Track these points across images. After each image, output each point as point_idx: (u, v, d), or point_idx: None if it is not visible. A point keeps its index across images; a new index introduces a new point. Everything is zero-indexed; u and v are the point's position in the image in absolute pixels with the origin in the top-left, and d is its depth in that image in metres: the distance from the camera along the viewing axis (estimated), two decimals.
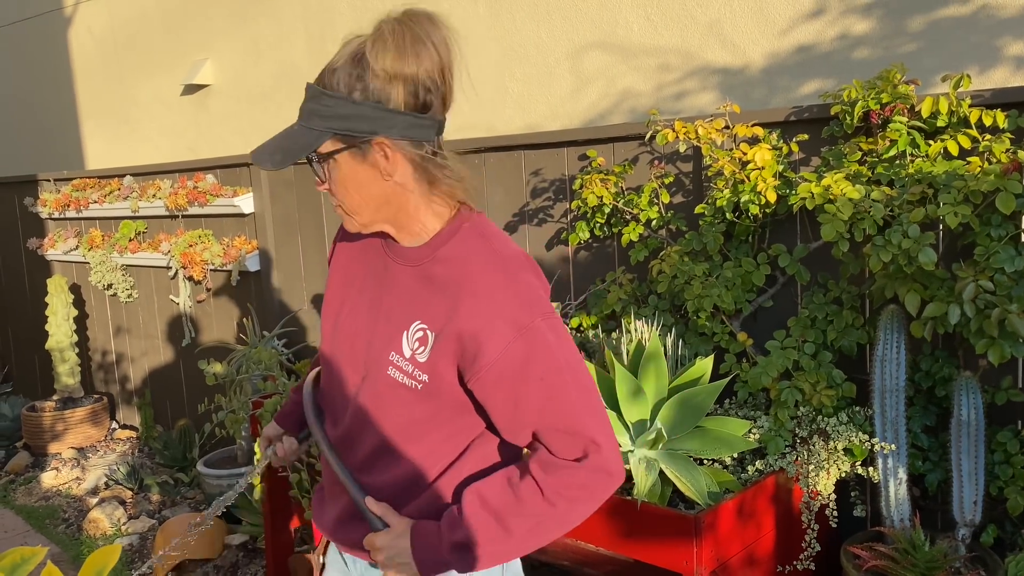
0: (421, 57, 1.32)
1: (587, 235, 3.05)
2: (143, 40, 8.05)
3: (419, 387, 1.38)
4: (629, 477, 2.35)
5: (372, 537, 1.43)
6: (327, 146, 1.35)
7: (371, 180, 1.36)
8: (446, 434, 1.42)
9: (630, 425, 2.38)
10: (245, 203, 4.31)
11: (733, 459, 2.46)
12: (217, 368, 3.07)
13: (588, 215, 3.02)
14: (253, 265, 4.34)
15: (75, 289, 5.58)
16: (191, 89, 7.58)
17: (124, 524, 4.08)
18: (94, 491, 4.57)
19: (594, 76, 5.02)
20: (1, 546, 4.09)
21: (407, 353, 1.38)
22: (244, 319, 4.29)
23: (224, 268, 4.44)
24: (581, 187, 2.93)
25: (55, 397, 5.38)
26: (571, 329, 2.93)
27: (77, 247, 5.39)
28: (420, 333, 1.38)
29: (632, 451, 2.35)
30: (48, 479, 4.78)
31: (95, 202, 5.21)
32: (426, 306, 1.39)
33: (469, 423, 1.42)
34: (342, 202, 1.40)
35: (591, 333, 2.88)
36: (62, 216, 5.50)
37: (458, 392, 1.37)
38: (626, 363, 2.48)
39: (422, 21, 1.33)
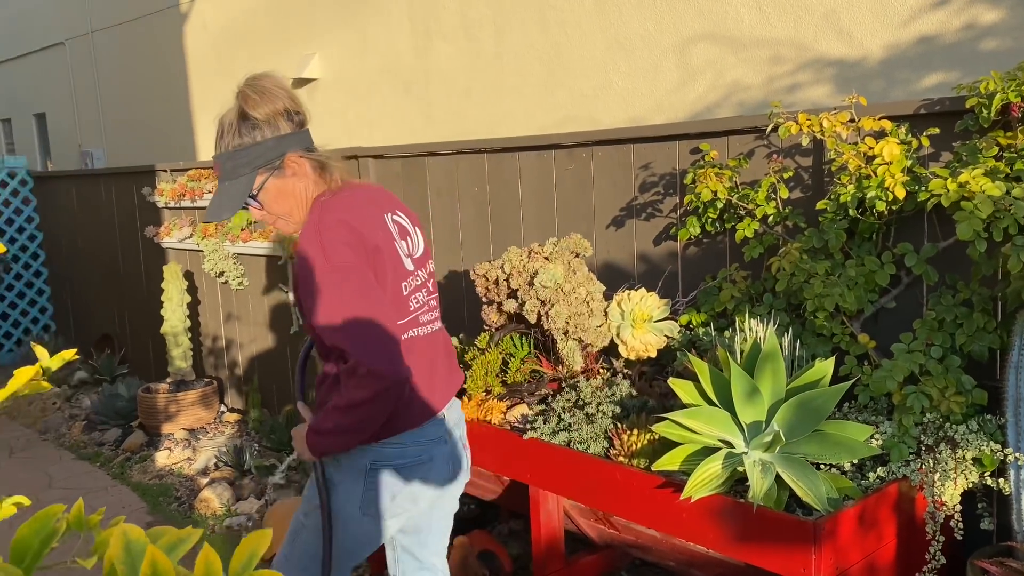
0: (277, 97, 1.93)
1: (698, 231, 2.98)
2: (254, 35, 8.28)
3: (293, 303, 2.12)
4: (743, 479, 2.29)
5: (295, 428, 2.06)
6: (257, 182, 1.92)
7: (292, 185, 1.95)
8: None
9: (745, 426, 2.32)
10: None
11: (852, 465, 2.37)
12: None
13: (700, 210, 2.96)
14: None
15: (188, 276, 5.77)
16: (299, 83, 7.76)
17: (233, 505, 4.21)
18: (204, 471, 4.73)
19: (701, 69, 4.92)
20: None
21: (291, 299, 2.23)
22: None
23: None
24: (693, 181, 2.87)
25: (168, 380, 5.58)
26: (680, 326, 2.88)
27: (191, 235, 5.58)
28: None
29: (747, 453, 2.29)
30: (161, 458, 4.96)
31: (209, 192, 5.37)
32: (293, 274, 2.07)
33: None
34: (279, 215, 1.98)
35: (701, 331, 2.82)
36: (177, 205, 5.70)
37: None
38: (741, 362, 2.42)
39: (260, 79, 1.95)
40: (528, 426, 2.70)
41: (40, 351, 1.59)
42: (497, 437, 2.78)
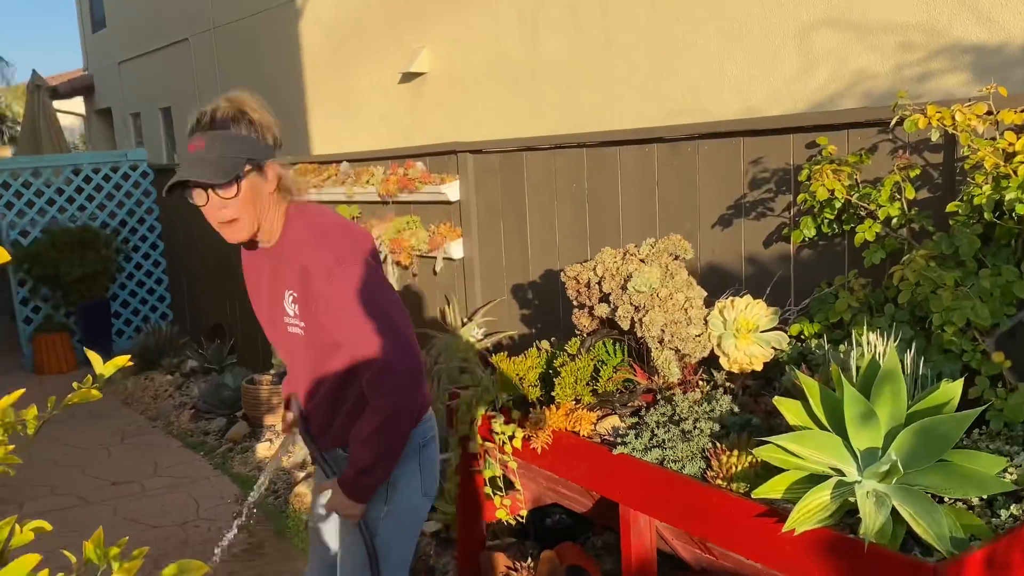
0: (268, 113, 2.03)
1: (813, 232, 2.74)
2: (365, 29, 8.33)
3: (302, 332, 2.08)
4: (854, 511, 2.06)
5: (321, 491, 2.21)
6: (243, 170, 1.97)
7: (263, 190, 2.00)
8: (332, 356, 2.07)
9: (858, 453, 2.08)
10: (451, 190, 4.29)
11: (981, 501, 2.10)
12: None
13: (815, 210, 2.71)
14: (457, 252, 4.31)
15: None
16: (408, 77, 7.75)
17: None
18: (301, 465, 4.73)
19: (823, 56, 4.60)
20: (219, 513, 4.31)
21: (290, 312, 2.08)
22: (446, 306, 4.28)
23: (430, 255, 4.44)
24: (808, 178, 2.62)
25: (272, 371, 5.64)
26: (791, 337, 2.65)
27: None
28: (290, 297, 2.07)
29: (859, 482, 2.06)
30: (262, 450, 5.01)
31: (314, 187, 5.39)
32: (286, 278, 2.07)
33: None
34: (236, 216, 2.00)
35: (814, 343, 2.58)
36: None
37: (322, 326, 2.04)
38: (856, 381, 2.18)
39: (254, 96, 2.03)
40: (619, 440, 2.52)
41: (94, 358, 1.52)
42: (586, 450, 2.62)
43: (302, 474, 4.55)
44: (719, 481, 2.30)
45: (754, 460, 2.26)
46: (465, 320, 4.09)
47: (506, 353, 3.28)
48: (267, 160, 2.01)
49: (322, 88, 9.22)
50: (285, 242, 2.07)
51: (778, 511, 2.13)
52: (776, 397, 2.21)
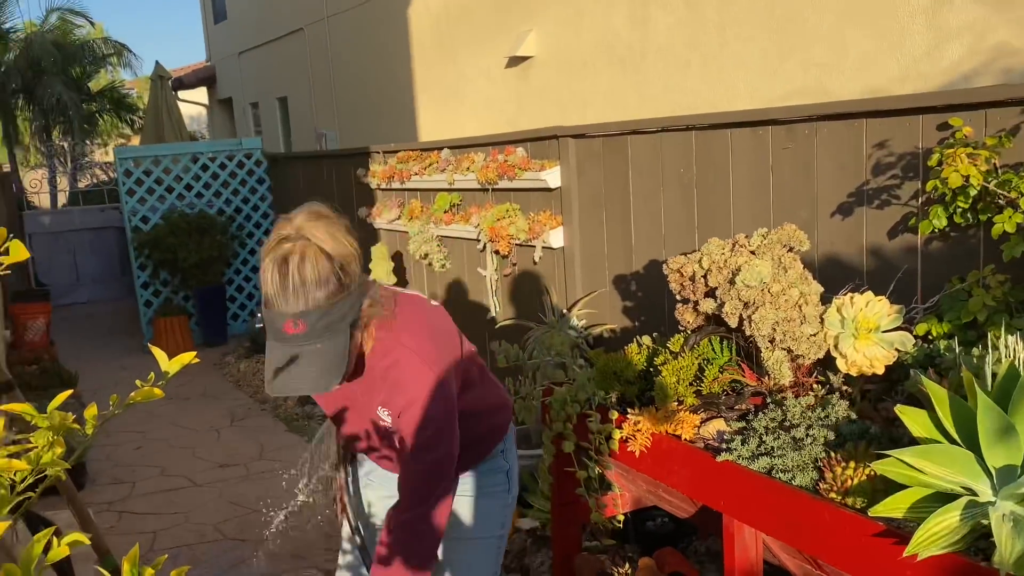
0: (348, 235, 1.75)
1: (944, 223, 2.48)
2: (473, 14, 8.26)
3: (390, 425, 1.98)
4: (987, 535, 1.84)
5: None
6: (354, 340, 1.76)
7: (360, 337, 1.81)
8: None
9: (993, 470, 1.85)
10: (552, 177, 4.15)
11: None
12: (509, 351, 2.96)
13: (947, 198, 2.45)
14: (557, 241, 4.18)
15: (397, 258, 5.80)
16: (514, 61, 7.64)
17: None
18: None
19: (958, 31, 4.24)
20: (318, 498, 4.32)
21: (383, 416, 1.97)
22: (544, 297, 4.15)
23: (529, 243, 4.33)
24: (940, 163, 2.37)
25: None
26: (916, 337, 2.41)
27: (399, 217, 5.59)
28: (384, 412, 1.95)
29: (994, 503, 1.83)
30: None
31: (416, 174, 5.35)
32: (381, 392, 1.93)
33: None
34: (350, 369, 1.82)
35: (943, 345, 2.34)
36: (388, 187, 5.74)
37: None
38: (991, 389, 1.95)
39: (322, 212, 1.74)
40: (724, 446, 2.35)
41: (159, 354, 1.47)
42: (687, 455, 2.45)
43: None
44: (833, 495, 2.10)
45: (872, 473, 2.05)
46: (564, 312, 3.96)
47: (604, 348, 3.14)
48: (364, 296, 1.76)
49: (429, 75, 9.22)
50: (376, 363, 1.90)
51: (899, 532, 1.93)
52: (899, 405, 2.00)
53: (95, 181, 16.32)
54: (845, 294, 2.45)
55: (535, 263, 4.40)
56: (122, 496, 4.51)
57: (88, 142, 19.58)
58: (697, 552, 3.25)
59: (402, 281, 5.84)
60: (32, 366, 6.67)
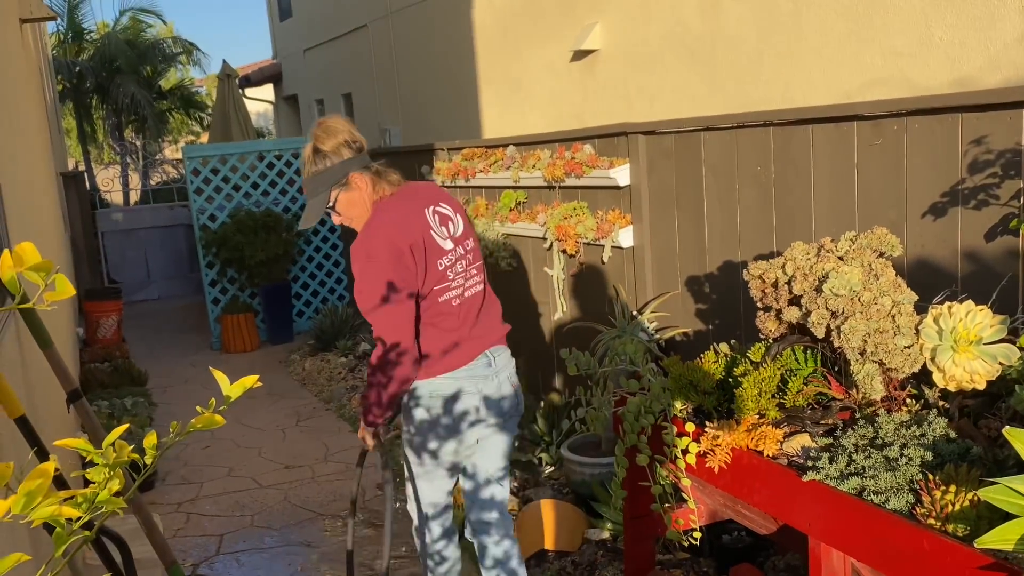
0: (336, 134, 2.56)
1: None
2: (537, 7, 8.14)
3: None
4: None
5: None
6: (332, 196, 2.57)
7: (357, 196, 2.57)
8: None
9: None
10: (621, 175, 4.02)
11: None
12: (580, 358, 2.84)
13: None
14: (626, 241, 4.06)
15: None
16: (579, 55, 7.50)
17: None
18: None
19: None
20: (382, 502, 4.27)
21: None
22: (614, 299, 4.03)
23: (597, 243, 4.21)
24: None
25: None
26: (1021, 350, 2.24)
27: None
28: None
29: None
30: None
31: (481, 171, 5.27)
32: None
33: None
34: (352, 217, 2.60)
35: None
36: (453, 184, 5.66)
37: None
38: None
39: (326, 120, 2.61)
40: (810, 463, 2.21)
41: (221, 378, 1.40)
42: (769, 473, 2.32)
43: None
44: (931, 520, 1.95)
45: (976, 499, 1.90)
46: (635, 314, 3.84)
47: (679, 356, 3.01)
48: (349, 174, 2.56)
49: (493, 70, 9.13)
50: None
51: (1009, 566, 1.77)
52: (1007, 428, 1.84)
53: (165, 179, 16.65)
54: (939, 302, 2.29)
55: (603, 263, 4.28)
56: (190, 497, 4.52)
57: (160, 140, 20.01)
58: (776, 568, 3.11)
59: None
60: (104, 363, 6.79)
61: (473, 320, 2.64)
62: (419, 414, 2.61)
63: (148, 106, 18.00)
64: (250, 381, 1.33)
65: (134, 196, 17.41)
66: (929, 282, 2.71)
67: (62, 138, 14.33)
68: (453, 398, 2.58)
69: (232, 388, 1.34)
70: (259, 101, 18.21)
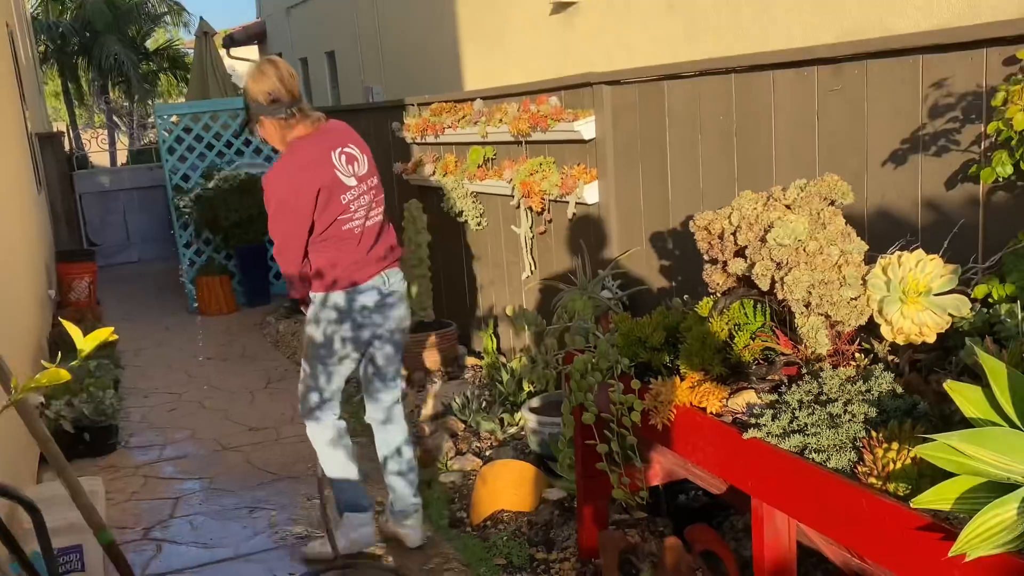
0: (262, 82, 2.98)
1: (1009, 170, 2.19)
2: None
3: None
4: None
5: None
6: (253, 124, 3.09)
7: (268, 132, 3.06)
8: None
9: None
10: (586, 128, 3.89)
11: None
12: (528, 316, 2.76)
13: (1012, 142, 2.15)
14: (591, 197, 3.94)
15: (432, 214, 5.60)
16: (559, 8, 7.32)
17: (450, 459, 3.98)
18: (433, 418, 4.56)
19: None
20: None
21: None
22: (578, 256, 3.92)
23: (563, 199, 4.09)
24: (1005, 102, 2.08)
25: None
26: (974, 301, 2.14)
27: (434, 172, 5.38)
28: None
29: None
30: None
31: (449, 127, 5.13)
32: None
33: None
34: (268, 141, 3.13)
35: (1004, 309, 2.06)
36: (422, 141, 5.52)
37: None
38: None
39: (265, 64, 3.03)
40: (753, 421, 2.12)
41: (73, 331, 1.31)
42: (712, 431, 2.24)
43: (431, 427, 4.37)
44: (872, 480, 1.86)
45: (918, 457, 1.81)
46: (600, 272, 3.73)
47: (642, 313, 2.91)
48: (259, 116, 3.00)
49: (474, 26, 8.94)
50: None
51: (946, 526, 1.69)
52: (949, 381, 1.75)
53: (154, 140, 16.45)
54: (893, 253, 2.18)
55: (570, 220, 4.16)
56: (151, 459, 4.45)
57: (151, 101, 19.75)
58: (734, 528, 3.03)
59: (439, 241, 5.63)
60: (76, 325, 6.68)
61: (371, 245, 3.08)
62: (324, 316, 3.07)
63: (132, 67, 17.75)
64: (104, 333, 1.24)
65: (122, 157, 17.20)
66: (890, 232, 2.61)
67: (42, 99, 14.10)
68: (350, 308, 3.04)
69: (85, 341, 1.25)
70: (244, 60, 17.92)
